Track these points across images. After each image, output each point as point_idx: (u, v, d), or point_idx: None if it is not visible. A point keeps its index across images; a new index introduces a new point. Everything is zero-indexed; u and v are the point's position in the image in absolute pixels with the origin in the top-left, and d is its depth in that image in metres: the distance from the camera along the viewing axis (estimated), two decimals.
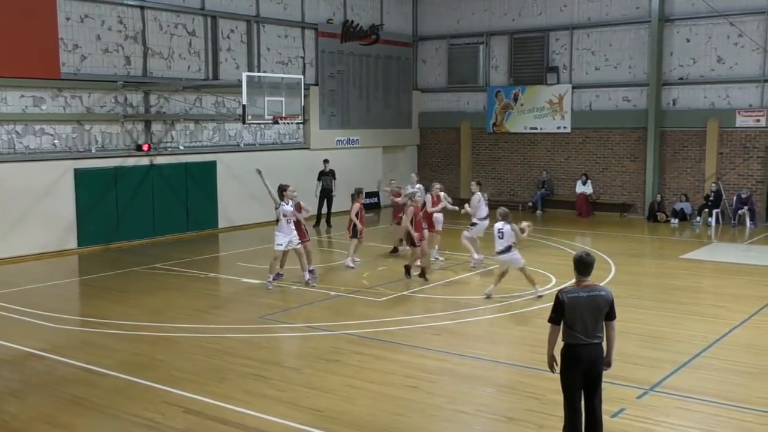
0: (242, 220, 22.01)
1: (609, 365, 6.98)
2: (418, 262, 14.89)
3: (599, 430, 6.91)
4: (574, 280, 6.90)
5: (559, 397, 8.56)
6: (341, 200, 22.24)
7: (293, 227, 14.26)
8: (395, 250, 17.44)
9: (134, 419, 8.09)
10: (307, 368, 9.71)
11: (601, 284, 7.24)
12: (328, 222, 22.20)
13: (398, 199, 17.14)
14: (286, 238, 14.11)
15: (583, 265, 6.79)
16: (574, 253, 7.08)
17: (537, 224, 23.22)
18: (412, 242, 14.73)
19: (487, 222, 16.08)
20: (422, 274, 14.70)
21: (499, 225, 13.14)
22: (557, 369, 6.96)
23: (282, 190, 14.25)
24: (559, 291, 6.86)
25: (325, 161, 22.46)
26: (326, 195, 22.12)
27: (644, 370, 9.53)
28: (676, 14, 23.43)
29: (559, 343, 6.91)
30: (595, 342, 6.78)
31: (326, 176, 22.19)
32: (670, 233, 21.52)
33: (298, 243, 14.29)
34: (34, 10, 16.98)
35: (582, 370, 6.78)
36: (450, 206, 16.79)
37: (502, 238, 13.05)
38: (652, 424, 7.91)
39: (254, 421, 8.03)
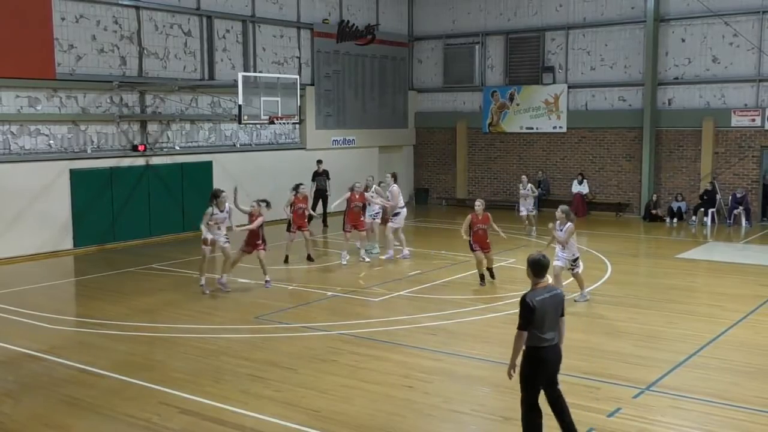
0: (238, 221, 21.92)
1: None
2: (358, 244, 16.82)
3: (568, 411, 7.12)
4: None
5: None
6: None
7: (223, 231, 13.93)
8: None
9: (130, 420, 8.08)
10: (304, 368, 9.71)
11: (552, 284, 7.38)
12: (324, 222, 22.18)
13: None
14: (212, 236, 13.78)
15: (540, 267, 6.94)
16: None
17: (533, 224, 23.26)
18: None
19: (405, 209, 17.49)
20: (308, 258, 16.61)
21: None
22: (514, 375, 7.03)
23: (215, 196, 13.87)
24: (525, 296, 6.85)
25: (319, 162, 22.41)
26: (320, 195, 22.07)
27: (640, 369, 9.55)
28: (672, 14, 23.48)
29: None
30: (556, 342, 6.96)
31: (320, 176, 22.11)
32: (666, 233, 21.57)
33: (225, 242, 14.00)
34: (29, 10, 16.94)
35: (550, 371, 6.95)
36: (378, 202, 17.24)
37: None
38: (648, 423, 7.92)
39: (251, 421, 8.03)
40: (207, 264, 14.24)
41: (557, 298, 6.95)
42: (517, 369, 6.97)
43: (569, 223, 12.74)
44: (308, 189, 21.58)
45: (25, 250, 17.40)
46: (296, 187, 16.94)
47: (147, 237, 19.77)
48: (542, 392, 7.05)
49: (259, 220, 14.25)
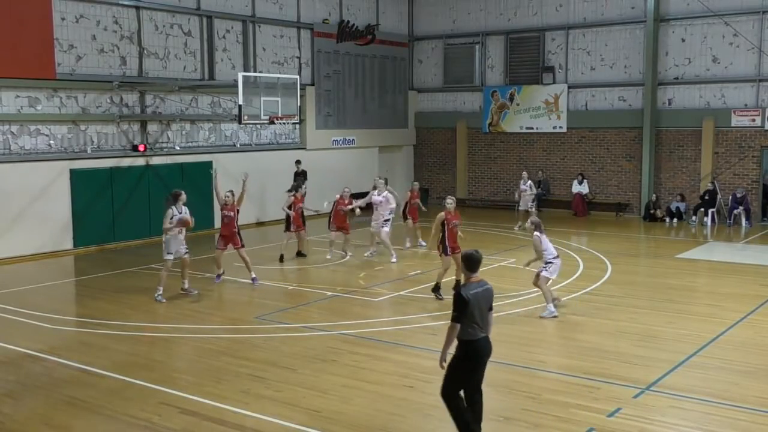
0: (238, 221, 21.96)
1: None
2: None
3: (481, 417, 7.27)
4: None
5: (556, 397, 8.63)
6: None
7: (183, 237, 13.56)
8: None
9: (131, 420, 8.08)
10: (304, 368, 9.71)
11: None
12: (304, 222, 21.51)
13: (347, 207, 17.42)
14: (175, 247, 13.37)
15: (472, 262, 7.19)
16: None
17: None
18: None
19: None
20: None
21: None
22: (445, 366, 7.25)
23: (175, 197, 13.36)
24: (459, 289, 7.10)
25: (297, 162, 22.24)
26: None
27: (640, 369, 9.55)
28: (672, 14, 23.48)
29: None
30: (488, 336, 7.20)
31: (299, 177, 21.79)
32: (666, 233, 21.57)
33: (185, 252, 13.63)
34: (29, 10, 16.93)
35: (481, 363, 7.15)
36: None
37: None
38: (648, 423, 7.93)
39: (251, 421, 8.03)
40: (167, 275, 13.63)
41: (488, 292, 7.20)
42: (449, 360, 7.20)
43: (534, 234, 12.16)
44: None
45: (25, 250, 17.40)
46: (296, 188, 17.02)
47: (147, 237, 19.75)
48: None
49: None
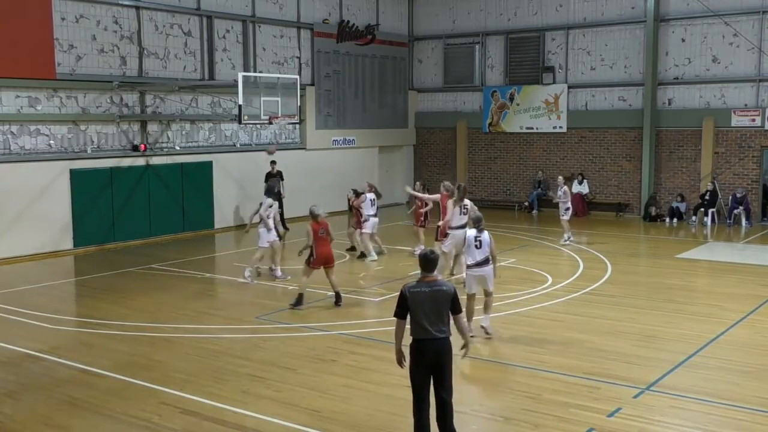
0: (238, 221, 22.02)
1: (467, 352, 7.54)
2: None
3: (450, 419, 7.11)
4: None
5: (556, 397, 8.63)
6: (329, 202, 21.49)
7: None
8: (358, 252, 17.35)
9: (131, 420, 8.08)
10: (304, 368, 9.71)
11: (443, 279, 7.26)
12: (283, 225, 20.53)
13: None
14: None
15: (425, 262, 7.12)
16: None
17: (533, 224, 23.30)
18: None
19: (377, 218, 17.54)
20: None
21: (473, 233, 11.10)
22: (405, 364, 7.21)
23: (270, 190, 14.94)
24: (404, 286, 7.12)
25: (273, 162, 21.39)
26: (276, 197, 21.25)
27: (640, 369, 9.55)
28: (672, 14, 23.48)
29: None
30: (441, 337, 7.00)
31: (273, 177, 21.05)
32: (666, 233, 21.57)
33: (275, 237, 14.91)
34: (29, 10, 16.95)
35: (428, 364, 7.00)
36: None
37: (479, 247, 11.02)
38: (648, 423, 7.93)
39: (251, 421, 8.03)
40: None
41: (438, 293, 6.98)
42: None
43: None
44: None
45: (24, 250, 17.40)
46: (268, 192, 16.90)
47: (147, 237, 19.77)
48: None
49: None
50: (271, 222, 14.95)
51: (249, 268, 14.92)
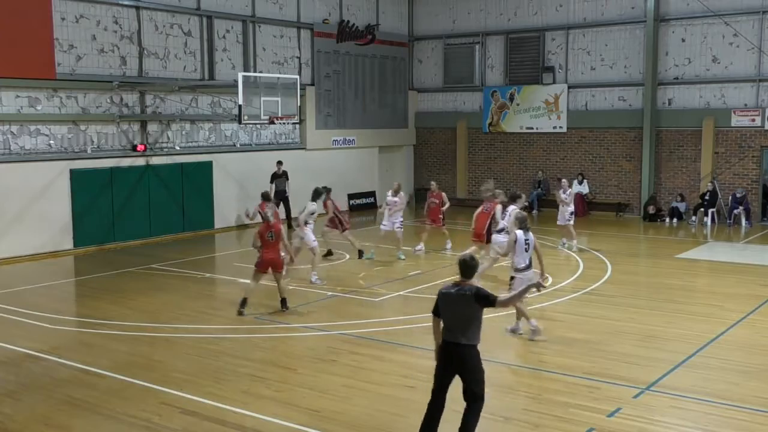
0: (238, 221, 22.02)
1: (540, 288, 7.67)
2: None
3: (472, 423, 6.99)
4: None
5: (556, 397, 8.65)
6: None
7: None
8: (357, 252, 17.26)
9: (131, 420, 8.08)
10: (304, 369, 9.71)
11: (471, 284, 7.04)
12: (289, 225, 20.72)
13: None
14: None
15: (466, 268, 7.05)
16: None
17: (533, 224, 23.26)
18: None
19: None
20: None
21: (521, 235, 10.81)
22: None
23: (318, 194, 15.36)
24: (443, 286, 7.19)
25: (279, 163, 21.76)
26: (281, 197, 21.43)
27: (640, 369, 9.55)
28: (672, 14, 23.49)
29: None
30: (463, 343, 6.87)
31: (279, 178, 21.57)
32: (666, 233, 21.57)
33: (313, 241, 14.79)
34: (29, 10, 16.94)
35: (447, 365, 6.95)
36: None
37: (528, 250, 10.82)
38: (648, 423, 7.93)
39: (251, 421, 8.03)
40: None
41: (460, 291, 6.91)
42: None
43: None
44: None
45: (24, 250, 17.40)
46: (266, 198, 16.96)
47: (147, 237, 19.77)
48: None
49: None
50: (308, 229, 14.89)
51: (314, 273, 14.69)
